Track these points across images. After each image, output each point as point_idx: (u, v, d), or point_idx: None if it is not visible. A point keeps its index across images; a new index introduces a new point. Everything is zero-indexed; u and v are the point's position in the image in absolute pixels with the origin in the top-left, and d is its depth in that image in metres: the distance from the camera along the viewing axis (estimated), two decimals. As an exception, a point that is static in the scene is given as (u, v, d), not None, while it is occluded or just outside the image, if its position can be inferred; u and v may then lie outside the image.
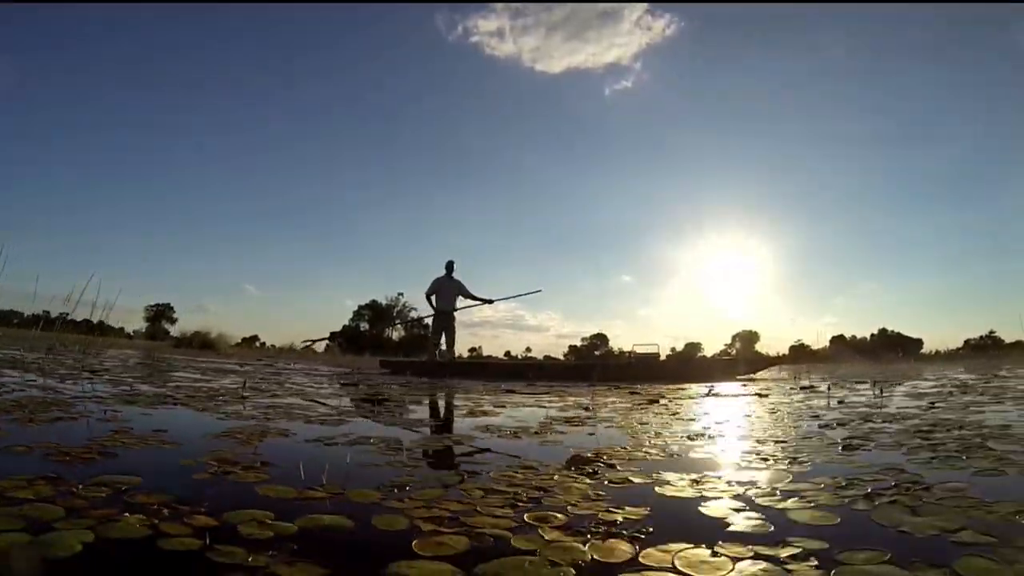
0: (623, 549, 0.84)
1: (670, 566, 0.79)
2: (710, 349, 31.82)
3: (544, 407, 3.19)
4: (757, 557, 0.82)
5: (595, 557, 0.81)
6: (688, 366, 9.38)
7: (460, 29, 41.96)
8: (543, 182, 54.13)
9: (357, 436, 1.83)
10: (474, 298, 8.42)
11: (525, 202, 54.72)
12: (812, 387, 5.17)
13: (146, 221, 50.66)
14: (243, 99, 48.24)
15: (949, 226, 45.06)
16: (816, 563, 0.80)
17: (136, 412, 2.12)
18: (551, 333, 46.40)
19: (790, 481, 1.28)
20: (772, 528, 0.96)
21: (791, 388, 5.16)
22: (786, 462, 1.52)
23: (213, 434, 1.71)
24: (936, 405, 3.17)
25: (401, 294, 34.49)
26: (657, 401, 3.60)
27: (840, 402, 3.56)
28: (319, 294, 48.07)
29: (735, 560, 0.81)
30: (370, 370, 8.36)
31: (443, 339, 8.37)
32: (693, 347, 28.16)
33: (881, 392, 4.33)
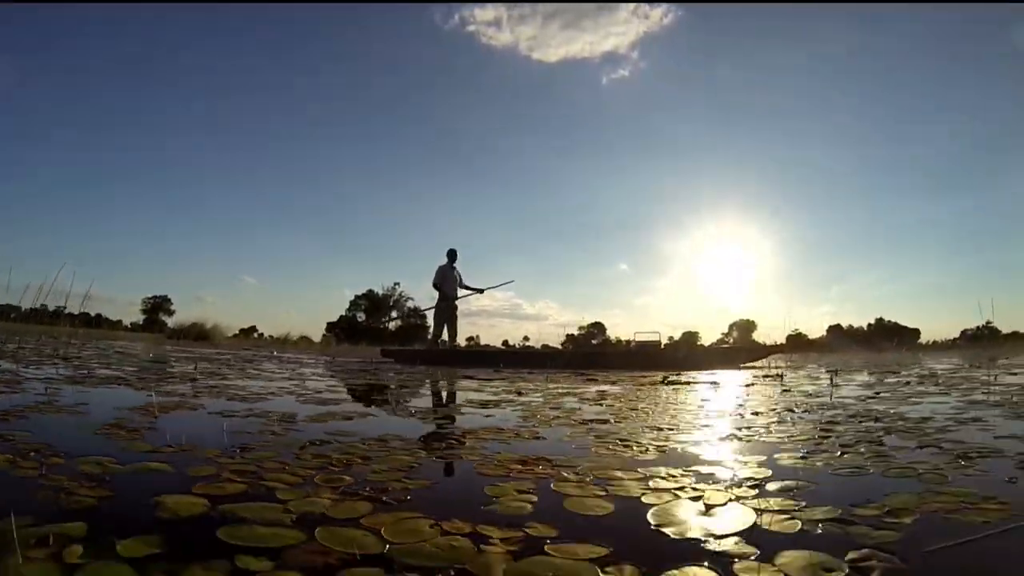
0: (359, 509, 0.93)
1: (374, 528, 0.84)
2: (708, 338, 31.91)
3: (479, 392, 3.43)
4: (471, 534, 0.83)
5: (327, 513, 0.91)
6: (683, 354, 9.43)
7: (456, 18, 42.26)
8: (540, 171, 54.72)
9: (261, 410, 2.09)
10: (469, 288, 8.62)
11: (522, 191, 55.26)
12: (778, 376, 5.33)
13: (144, 215, 51.60)
14: (239, 92, 48.84)
15: (948, 217, 45.21)
16: (519, 548, 0.80)
17: (75, 390, 2.40)
18: (549, 322, 46.80)
19: (620, 469, 1.28)
20: (530, 510, 0.97)
21: (755, 376, 5.34)
22: (644, 449, 1.53)
23: (129, 407, 1.98)
24: (880, 395, 3.25)
25: (397, 284, 34.93)
26: (604, 389, 3.78)
27: (786, 390, 3.72)
28: (318, 285, 48.88)
29: (445, 533, 0.84)
30: (353, 358, 8.65)
31: (445, 330, 8.45)
32: (690, 336, 28.25)
33: (831, 382, 4.50)
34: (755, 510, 0.97)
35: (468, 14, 43.08)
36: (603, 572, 0.72)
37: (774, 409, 2.56)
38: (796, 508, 0.98)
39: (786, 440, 1.70)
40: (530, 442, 1.68)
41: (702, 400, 3.15)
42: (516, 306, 47.89)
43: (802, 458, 1.42)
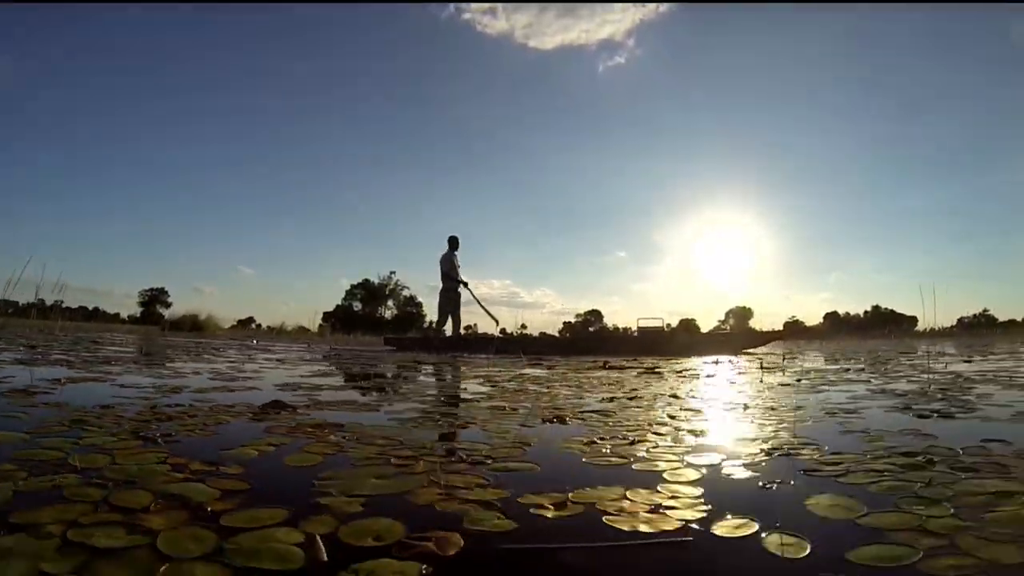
0: (127, 445, 1.25)
1: (116, 455, 1.15)
2: (705, 325, 32.05)
3: (404, 373, 3.79)
4: (177, 465, 1.09)
5: (103, 447, 1.22)
6: (681, 340, 9.27)
7: (452, 8, 42.65)
8: (537, 159, 55.72)
9: (162, 384, 2.48)
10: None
11: (519, 179, 56.35)
12: (727, 362, 5.57)
13: (142, 207, 53.08)
14: (235, 83, 49.81)
15: (947, 206, 45.26)
16: (192, 477, 0.99)
17: (16, 368, 2.81)
18: (546, 310, 47.51)
19: (386, 436, 1.45)
20: (252, 456, 1.20)
21: (706, 362, 5.59)
22: (448, 424, 1.70)
23: (46, 379, 2.38)
24: (802, 381, 3.35)
25: (393, 272, 35.45)
26: (527, 372, 4.08)
27: (710, 376, 3.97)
28: (315, 274, 50.23)
29: (160, 463, 1.09)
30: (341, 347, 9.02)
31: (450, 320, 8.62)
32: (688, 323, 28.46)
33: (761, 366, 4.76)
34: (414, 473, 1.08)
35: (464, 3, 43.26)
36: (216, 500, 0.90)
37: (662, 394, 2.60)
38: (464, 487, 1.01)
39: (603, 427, 1.68)
40: (358, 413, 1.91)
41: (608, 384, 3.25)
42: (514, 294, 48.39)
43: (589, 444, 1.41)
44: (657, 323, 9.31)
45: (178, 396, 2.14)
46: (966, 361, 5.30)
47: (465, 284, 8.67)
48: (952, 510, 0.89)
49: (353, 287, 35.69)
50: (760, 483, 1.08)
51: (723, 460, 1.25)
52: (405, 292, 35.28)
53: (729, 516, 0.87)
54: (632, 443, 1.44)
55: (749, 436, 1.55)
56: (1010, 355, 6.35)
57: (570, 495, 0.97)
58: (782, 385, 3.12)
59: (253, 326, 25.68)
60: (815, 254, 53.85)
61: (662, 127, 57.94)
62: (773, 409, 2.08)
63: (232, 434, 1.48)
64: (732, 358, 6.67)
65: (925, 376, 3.58)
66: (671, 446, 1.41)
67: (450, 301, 8.57)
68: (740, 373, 4.27)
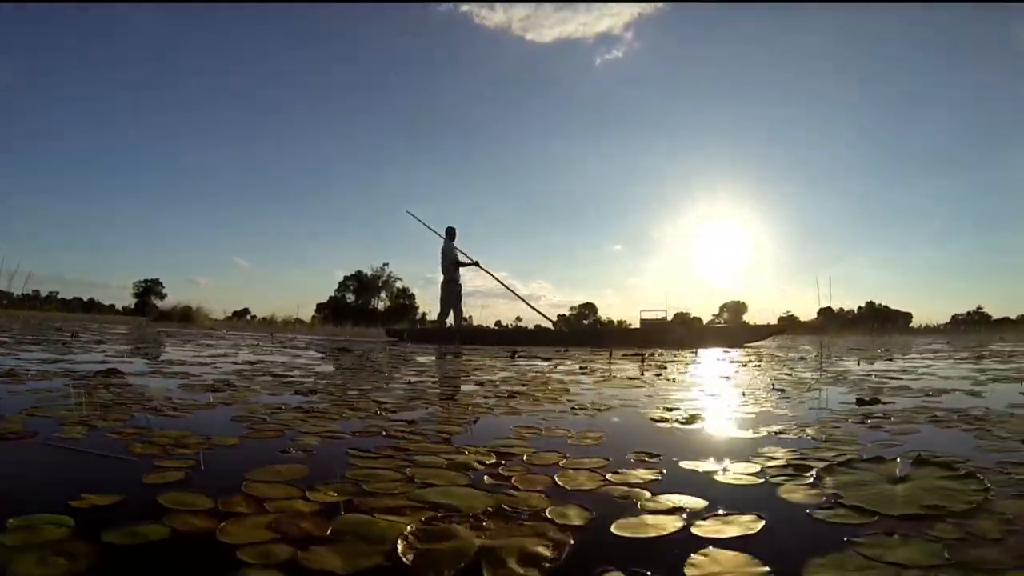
0: None
1: None
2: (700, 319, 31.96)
3: (319, 356, 4.37)
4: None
5: None
6: (678, 333, 9.15)
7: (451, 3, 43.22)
8: (533, 151, 56.28)
9: (52, 358, 3.10)
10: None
11: (516, 171, 57.13)
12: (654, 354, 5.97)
13: (138, 199, 54.98)
14: (233, 76, 51.25)
15: (947, 203, 44.98)
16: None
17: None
18: (542, 302, 48.18)
19: (149, 391, 2.01)
20: (22, 396, 2.02)
21: (631, 354, 5.99)
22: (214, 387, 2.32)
23: (-43, 356, 3.02)
24: (666, 376, 3.71)
25: (386, 264, 36.20)
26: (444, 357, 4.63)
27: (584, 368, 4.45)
28: (310, 266, 51.80)
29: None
30: (319, 336, 9.66)
31: (452, 313, 8.80)
32: (683, 316, 28.56)
33: (643, 361, 5.18)
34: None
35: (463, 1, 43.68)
36: None
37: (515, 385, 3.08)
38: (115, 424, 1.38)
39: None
40: (169, 379, 2.38)
41: (473, 367, 3.82)
42: (510, 287, 48.87)
43: (296, 410, 1.65)
44: (659, 315, 9.34)
45: (49, 366, 2.75)
46: (887, 359, 5.12)
47: (476, 263, 8.77)
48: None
49: (346, 279, 36.71)
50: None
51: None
52: (398, 284, 36.25)
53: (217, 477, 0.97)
54: (330, 419, 1.58)
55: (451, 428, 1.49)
56: (951, 353, 6.12)
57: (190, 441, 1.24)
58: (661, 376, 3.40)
59: (248, 317, 26.71)
60: (813, 249, 53.56)
61: (660, 121, 58.35)
62: (537, 400, 2.01)
63: (38, 387, 2.02)
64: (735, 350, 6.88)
65: (803, 374, 3.27)
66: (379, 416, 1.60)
67: (452, 294, 8.67)
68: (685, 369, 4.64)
